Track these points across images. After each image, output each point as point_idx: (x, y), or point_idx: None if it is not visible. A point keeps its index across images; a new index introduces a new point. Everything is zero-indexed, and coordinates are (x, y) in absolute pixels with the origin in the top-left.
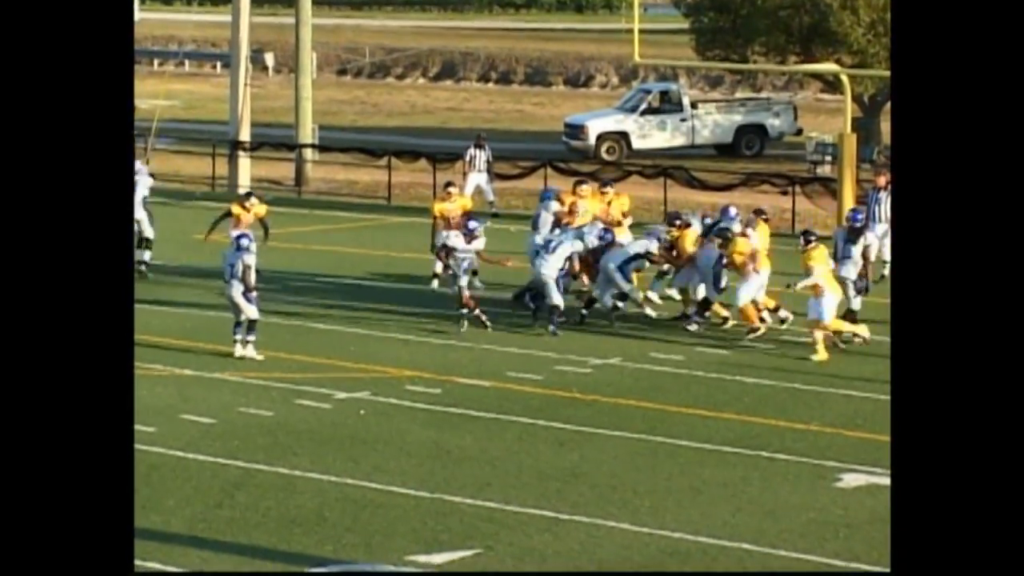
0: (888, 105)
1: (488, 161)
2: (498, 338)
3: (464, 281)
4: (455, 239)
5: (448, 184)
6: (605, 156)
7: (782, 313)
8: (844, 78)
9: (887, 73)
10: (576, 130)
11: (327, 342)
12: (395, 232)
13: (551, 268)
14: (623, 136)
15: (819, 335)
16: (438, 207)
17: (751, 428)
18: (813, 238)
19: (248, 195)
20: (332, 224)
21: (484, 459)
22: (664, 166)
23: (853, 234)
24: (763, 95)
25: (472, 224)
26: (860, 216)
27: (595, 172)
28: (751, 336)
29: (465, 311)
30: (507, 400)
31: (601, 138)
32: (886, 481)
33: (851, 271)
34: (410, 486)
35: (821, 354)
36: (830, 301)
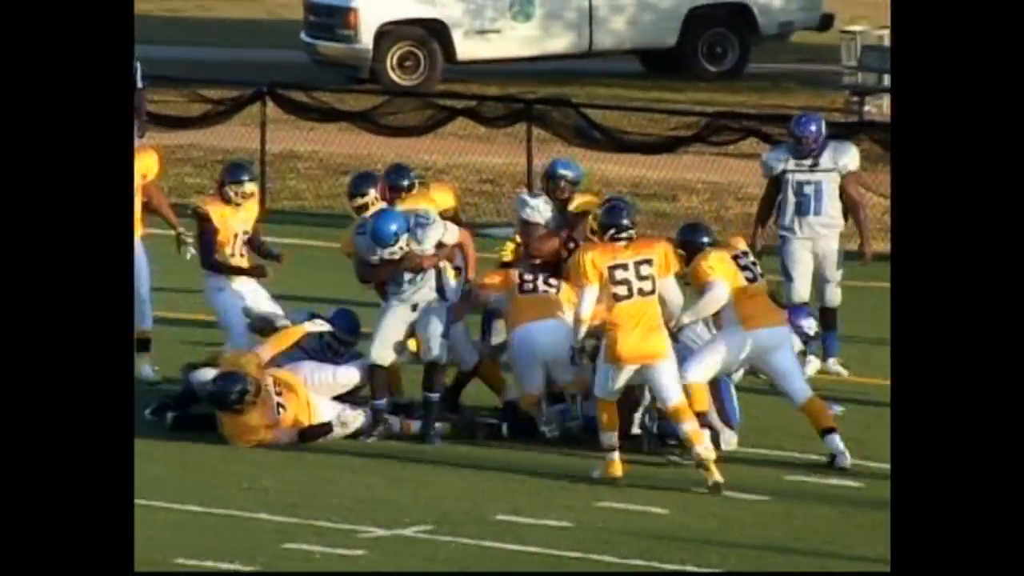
0: None
1: (140, 89)
2: None
3: None
4: None
5: None
6: (396, 76)
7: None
8: None
9: None
10: (332, 17)
11: None
12: None
13: None
14: (436, 32)
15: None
16: None
17: None
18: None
19: None
20: None
21: None
22: (527, 100)
23: None
24: None
25: None
26: None
27: (371, 111)
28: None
29: None
30: None
31: (386, 36)
32: None
33: None
34: None
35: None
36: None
